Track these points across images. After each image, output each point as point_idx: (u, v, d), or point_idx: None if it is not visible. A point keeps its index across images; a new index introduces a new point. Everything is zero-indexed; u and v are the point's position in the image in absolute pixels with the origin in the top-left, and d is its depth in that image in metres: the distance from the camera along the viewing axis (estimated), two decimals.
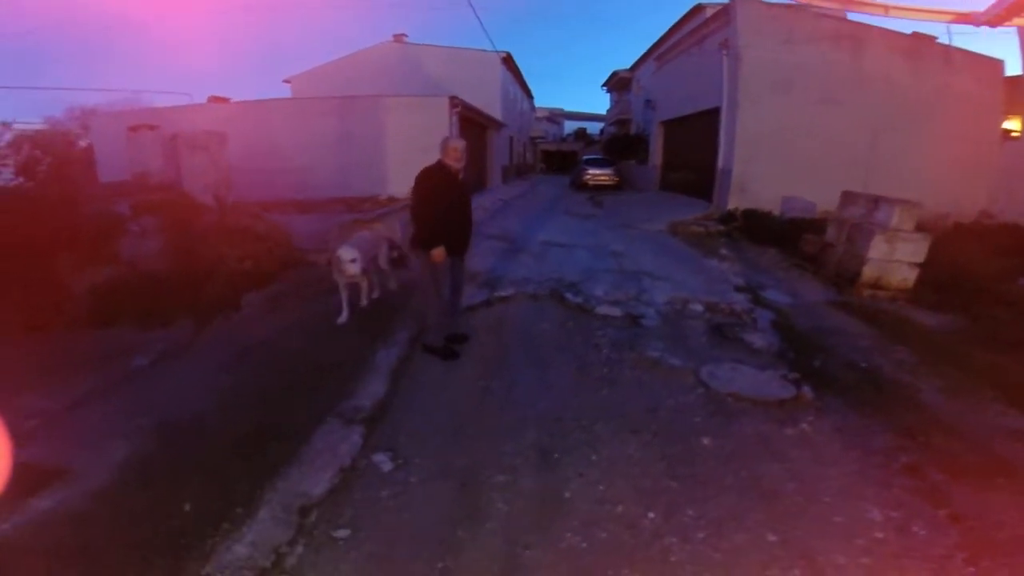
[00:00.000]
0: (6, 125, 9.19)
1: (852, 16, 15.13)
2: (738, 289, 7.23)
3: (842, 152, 12.99)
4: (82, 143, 17.52)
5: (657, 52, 22.96)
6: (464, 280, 5.16)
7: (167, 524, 2.57)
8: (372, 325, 5.41)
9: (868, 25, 14.31)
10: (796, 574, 2.42)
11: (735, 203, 12.83)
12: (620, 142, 29.37)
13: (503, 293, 6.61)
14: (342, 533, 2.61)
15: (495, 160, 23.36)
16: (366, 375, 4.25)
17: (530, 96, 38.40)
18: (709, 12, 18.45)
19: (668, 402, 4.00)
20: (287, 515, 2.64)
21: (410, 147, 14.49)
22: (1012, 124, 16.30)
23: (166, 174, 8.98)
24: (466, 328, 5.32)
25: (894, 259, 7.39)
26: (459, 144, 4.46)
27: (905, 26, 14.97)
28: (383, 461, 3.19)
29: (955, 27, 16.60)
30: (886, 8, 16.26)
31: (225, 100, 17.31)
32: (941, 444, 3.49)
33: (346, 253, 5.31)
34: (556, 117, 52.76)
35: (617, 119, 34.51)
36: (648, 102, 23.20)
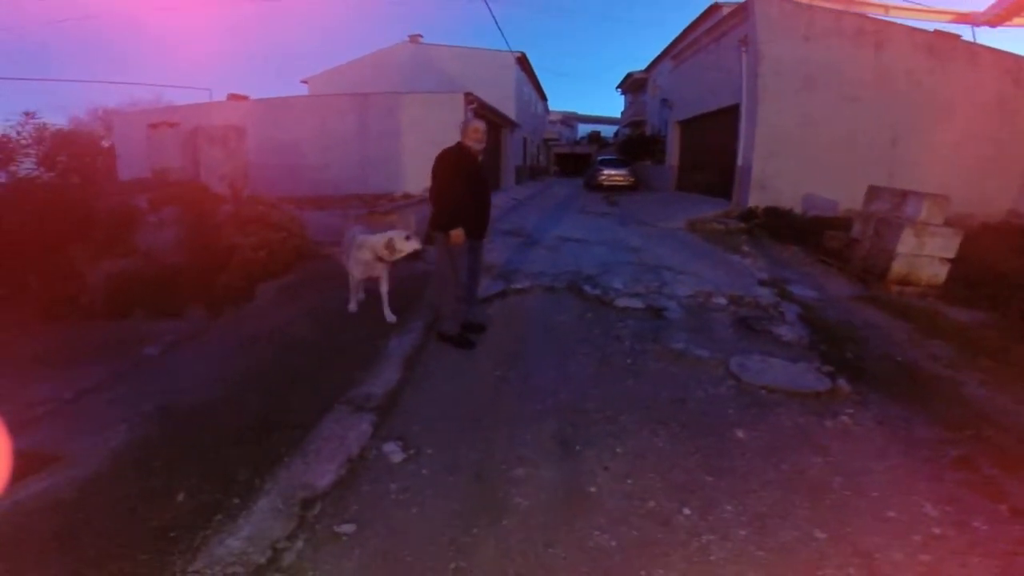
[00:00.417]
0: (29, 115, 9.08)
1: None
2: (762, 283, 6.89)
3: (864, 150, 12.57)
4: (105, 143, 17.55)
5: (673, 52, 22.57)
6: (481, 267, 4.91)
7: (157, 514, 2.33)
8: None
9: (890, 22, 13.91)
10: (851, 573, 2.16)
11: (755, 201, 12.46)
12: (635, 143, 28.96)
13: (519, 285, 6.34)
14: (347, 528, 2.36)
15: (509, 160, 23.11)
16: (378, 363, 4.01)
17: (544, 98, 38.15)
18: (726, 11, 18.06)
19: (697, 394, 3.71)
20: (288, 507, 2.40)
21: (426, 144, 14.22)
22: None
23: (186, 170, 8.89)
24: (482, 318, 5.06)
25: (924, 254, 7.03)
26: (480, 125, 4.33)
27: (928, 24, 14.59)
28: (393, 451, 2.93)
29: (976, 27, 16.08)
30: (886, 8, 15.86)
31: (244, 98, 17.26)
32: (991, 437, 3.24)
33: (399, 234, 4.74)
34: (570, 120, 52.41)
35: (632, 121, 34.09)
36: (664, 101, 22.79)
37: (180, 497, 2.45)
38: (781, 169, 12.54)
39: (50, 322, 5.70)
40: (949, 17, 15.76)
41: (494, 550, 2.26)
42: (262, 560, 2.08)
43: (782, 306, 5.95)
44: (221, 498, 2.44)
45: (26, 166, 9.61)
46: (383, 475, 2.75)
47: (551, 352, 4.41)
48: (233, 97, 17.39)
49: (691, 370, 4.10)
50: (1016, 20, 15.13)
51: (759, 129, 12.66)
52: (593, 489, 2.65)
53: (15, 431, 2.25)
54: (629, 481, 2.71)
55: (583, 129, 52.83)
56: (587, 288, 6.20)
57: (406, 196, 13.88)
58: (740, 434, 3.20)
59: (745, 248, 9.49)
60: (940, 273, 7.04)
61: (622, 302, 5.75)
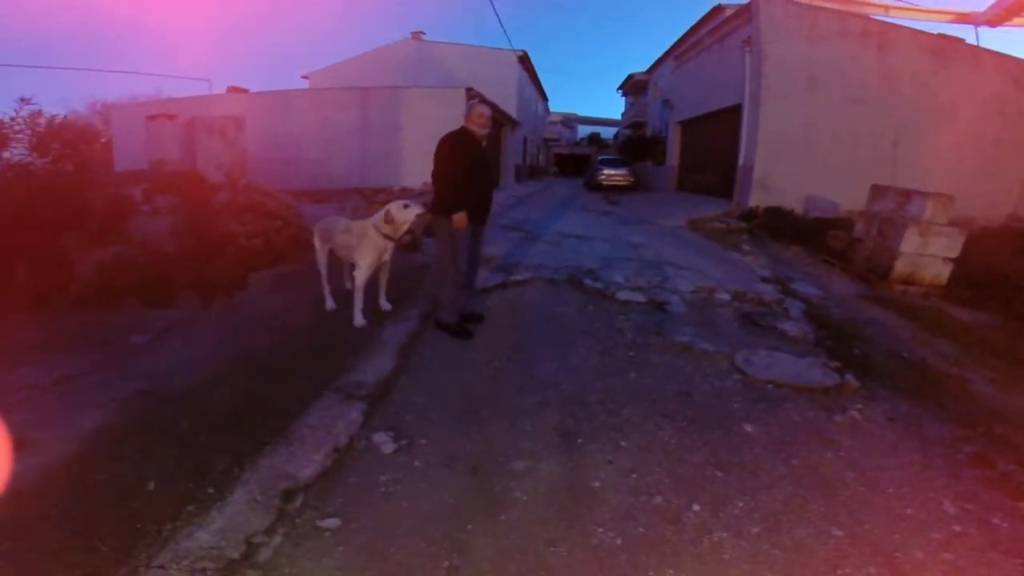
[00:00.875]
0: (24, 100, 8.83)
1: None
2: (765, 280, 6.71)
3: (867, 151, 12.41)
4: (103, 138, 17.29)
5: (675, 53, 22.41)
6: (481, 255, 4.72)
7: (124, 504, 2.12)
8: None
9: (894, 24, 13.75)
10: (872, 572, 2.00)
11: (756, 201, 12.27)
12: (636, 143, 28.74)
13: (519, 277, 6.14)
14: (330, 523, 2.15)
15: (509, 158, 22.91)
16: (372, 350, 3.80)
17: (545, 99, 37.96)
18: (729, 12, 17.89)
19: (703, 387, 3.52)
20: (267, 499, 2.19)
21: (426, 139, 14.03)
22: None
23: (183, 162, 8.70)
24: (481, 308, 4.86)
25: (927, 253, 6.90)
26: (485, 110, 4.22)
27: (927, 24, 14.45)
28: (384, 442, 2.73)
29: (976, 27, 15.96)
30: (886, 8, 15.72)
31: (244, 91, 17.04)
32: (1005, 434, 3.12)
33: (397, 204, 4.31)
34: (570, 121, 52.22)
35: (632, 122, 33.87)
36: (666, 102, 22.59)
37: (150, 486, 2.24)
38: (783, 169, 12.37)
39: (39, 311, 5.49)
40: (949, 17, 15.62)
41: (491, 547, 2.07)
42: (235, 555, 1.88)
43: (786, 302, 5.77)
44: (195, 488, 2.24)
45: (18, 152, 9.39)
46: (372, 466, 2.55)
47: (551, 343, 4.21)
48: (233, 90, 17.16)
49: (696, 363, 3.91)
50: (1016, 20, 15.01)
51: (761, 129, 12.48)
52: (597, 484, 2.45)
53: None
54: (634, 476, 2.51)
55: (583, 130, 52.64)
56: (588, 281, 6.01)
57: (404, 190, 13.68)
58: (748, 428, 3.02)
59: (746, 247, 9.31)
60: (943, 273, 6.90)
61: (623, 295, 5.56)
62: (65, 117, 11.87)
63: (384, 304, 4.69)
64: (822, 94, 12.49)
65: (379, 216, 4.28)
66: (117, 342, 4.37)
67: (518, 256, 7.39)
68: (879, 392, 3.62)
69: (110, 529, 1.98)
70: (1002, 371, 4.14)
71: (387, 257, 4.44)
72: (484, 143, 4.31)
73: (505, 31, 43.30)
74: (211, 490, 2.22)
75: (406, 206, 4.30)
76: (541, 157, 38.47)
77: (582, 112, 55.53)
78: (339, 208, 10.22)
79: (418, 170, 13.99)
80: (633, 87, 33.99)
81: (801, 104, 12.47)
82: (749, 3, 13.47)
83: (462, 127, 4.20)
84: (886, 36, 12.81)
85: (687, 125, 19.30)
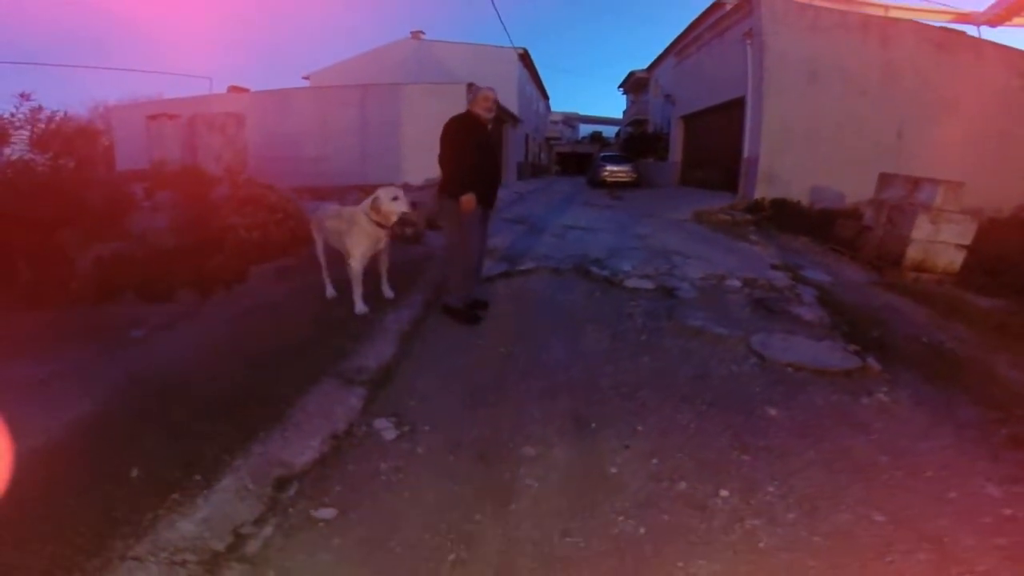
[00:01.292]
0: (24, 96, 8.62)
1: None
2: (775, 268, 6.51)
3: (871, 144, 12.19)
4: (104, 141, 17.10)
5: (676, 49, 22.19)
6: (486, 241, 4.54)
7: (103, 492, 1.94)
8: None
9: (897, 19, 13.57)
10: (921, 559, 1.82)
11: (762, 193, 12.06)
12: (638, 140, 28.51)
13: (523, 267, 5.95)
14: (326, 513, 1.97)
15: (511, 156, 22.70)
16: (373, 336, 3.61)
17: (546, 97, 37.73)
18: (728, 6, 17.67)
19: (719, 371, 3.33)
20: (258, 487, 2.01)
21: (426, 135, 13.90)
22: None
23: (184, 161, 8.54)
24: (486, 296, 4.68)
25: (939, 240, 6.69)
26: (491, 93, 4.10)
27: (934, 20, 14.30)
28: (385, 428, 2.55)
29: (976, 27, 15.78)
30: (886, 8, 15.53)
31: (245, 90, 16.89)
32: None
33: (387, 192, 4.04)
34: (571, 121, 51.95)
35: (634, 120, 33.61)
36: (667, 97, 22.36)
37: (133, 473, 2.06)
38: (788, 161, 12.16)
39: (37, 307, 5.33)
40: (949, 17, 15.47)
41: (501, 539, 1.89)
42: (220, 547, 1.70)
43: (798, 288, 5.58)
44: (181, 475, 2.05)
45: (19, 148, 9.23)
46: (372, 454, 2.36)
47: (559, 329, 4.02)
48: (234, 89, 17.02)
49: (710, 347, 3.72)
50: (1016, 20, 14.86)
51: (765, 121, 12.28)
52: (614, 470, 2.26)
53: None
54: (654, 461, 2.32)
55: (584, 129, 52.34)
56: (594, 269, 5.81)
57: (405, 186, 13.50)
58: (772, 412, 2.83)
59: (753, 237, 9.11)
60: (956, 260, 6.68)
61: (631, 283, 5.36)
62: (65, 114, 11.66)
63: (387, 292, 4.50)
64: (825, 86, 12.29)
65: (368, 203, 4.09)
66: (114, 336, 4.21)
67: (522, 247, 7.20)
68: (902, 376, 3.42)
69: (88, 517, 1.80)
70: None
71: (382, 245, 4.24)
72: (490, 127, 4.17)
73: (505, 28, 43.11)
74: (198, 477, 2.04)
75: (395, 198, 4.07)
76: (543, 155, 38.24)
77: (583, 111, 55.32)
78: (338, 204, 10.04)
79: (419, 166, 13.80)
80: (634, 85, 33.78)
81: (804, 96, 12.27)
82: None
83: (467, 110, 4.07)
84: (888, 29, 12.63)
85: (689, 120, 19.06)
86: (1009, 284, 6.17)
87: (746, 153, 12.92)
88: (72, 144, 10.57)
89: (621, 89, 37.18)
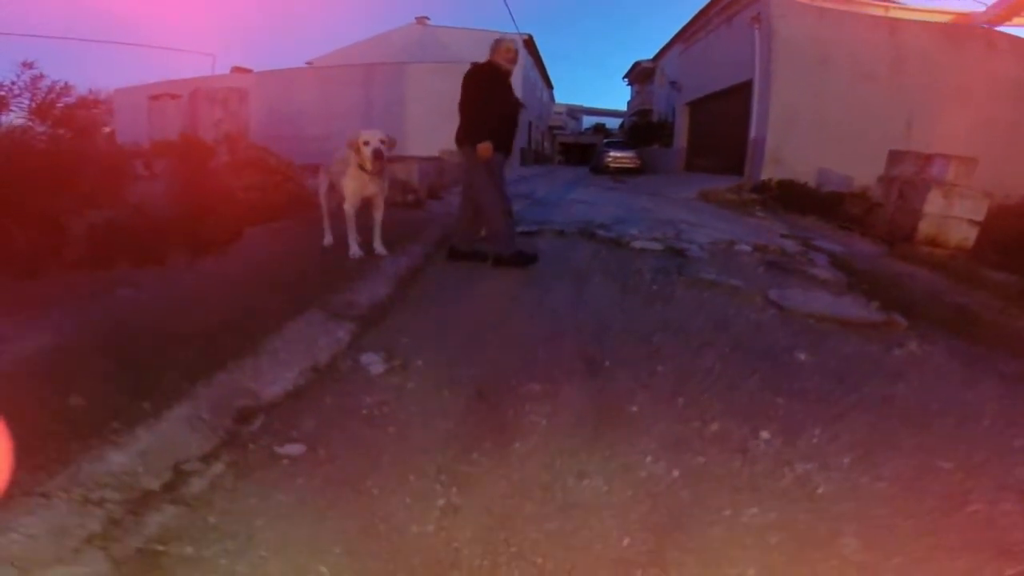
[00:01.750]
0: (27, 65, 8.22)
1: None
2: (785, 237, 6.16)
3: (879, 128, 11.72)
4: (106, 129, 16.60)
5: (683, 37, 21.64)
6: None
7: (32, 421, 1.58)
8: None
9: (887, 7, 13.17)
10: (1007, 508, 1.47)
11: (769, 174, 11.63)
12: (642, 129, 27.95)
13: (526, 228, 5.56)
14: (293, 449, 1.61)
15: (515, 140, 22.21)
16: (367, 276, 3.23)
17: (550, 86, 37.10)
18: None
19: (738, 320, 2.97)
20: (216, 418, 1.65)
21: (430, 114, 13.60)
22: None
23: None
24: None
25: (952, 215, 6.34)
26: (512, 44, 4.01)
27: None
28: (373, 362, 2.18)
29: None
30: (886, 7, 15.06)
31: (248, 71, 16.44)
32: None
33: (367, 133, 3.75)
34: (575, 112, 51.16)
35: (638, 110, 32.96)
36: (673, 84, 21.79)
37: (73, 400, 1.70)
38: (795, 143, 11.77)
39: (28, 275, 5.00)
40: (949, 17, 15.05)
41: (503, 481, 1.53)
42: (153, 485, 1.34)
43: (810, 254, 5.24)
44: (128, 403, 1.69)
45: (18, 116, 8.85)
46: (356, 388, 2.00)
47: (565, 281, 3.64)
48: (237, 70, 16.59)
49: (726, 297, 3.36)
50: (1016, 20, 14.47)
51: (773, 103, 11.87)
52: (634, 408, 1.90)
53: None
54: (680, 400, 1.96)
55: (588, 121, 51.62)
56: (600, 232, 5.44)
57: (415, 157, 13.10)
58: (801, 357, 2.48)
59: (760, 214, 8.74)
60: (970, 236, 6.32)
61: (638, 244, 4.99)
62: (66, 84, 11.30)
63: (378, 247, 4.09)
64: (834, 70, 11.91)
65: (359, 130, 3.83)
66: (102, 295, 3.86)
67: (525, 215, 6.80)
68: (930, 332, 3.08)
69: (4, 449, 1.44)
70: None
71: (370, 192, 3.89)
72: (510, 79, 4.05)
73: (511, 13, 42.31)
74: (147, 405, 1.67)
75: (366, 142, 3.73)
76: (546, 144, 37.66)
77: (588, 104, 54.55)
78: None
79: (422, 144, 13.39)
80: (639, 75, 33.08)
81: (812, 80, 11.87)
82: None
83: (489, 60, 3.94)
84: (896, 20, 12.25)
85: (695, 106, 18.53)
86: None
87: (753, 134, 12.51)
88: (71, 114, 10.19)
89: (626, 80, 36.48)
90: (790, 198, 10.12)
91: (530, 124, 27.25)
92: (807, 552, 1.23)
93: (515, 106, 4.22)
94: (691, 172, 18.35)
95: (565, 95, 52.26)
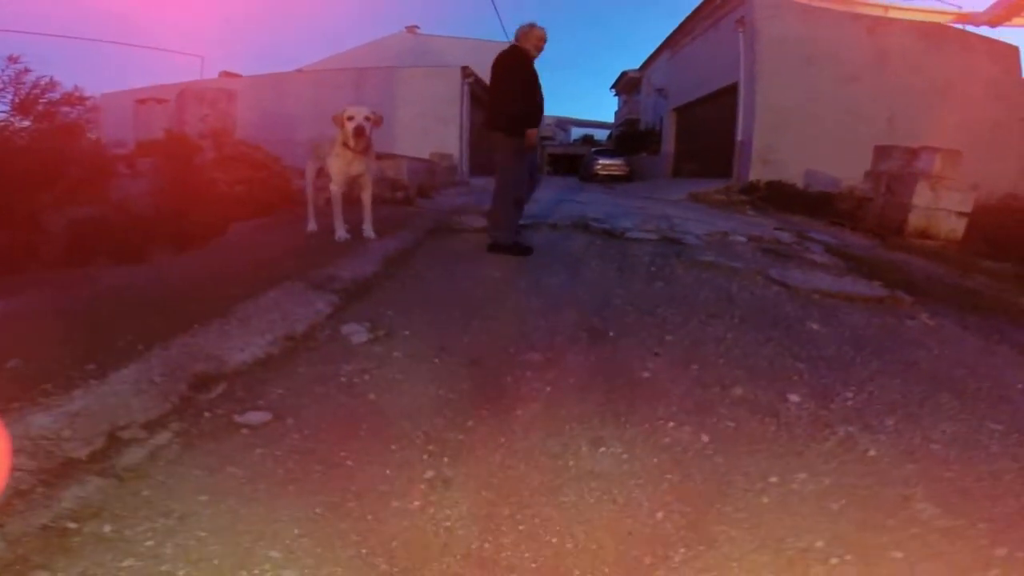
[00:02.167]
0: (13, 59, 7.84)
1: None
2: (778, 230, 6.00)
3: (864, 129, 11.71)
4: (91, 136, 16.17)
5: (669, 45, 21.66)
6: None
7: None
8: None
9: (886, 7, 13.18)
10: None
11: (757, 175, 11.55)
12: (630, 138, 27.97)
13: (520, 222, 5.32)
14: (254, 417, 1.37)
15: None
16: (353, 255, 3.00)
17: None
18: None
19: (743, 295, 2.78)
20: (168, 382, 1.40)
21: (421, 118, 13.42)
22: None
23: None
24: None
25: (940, 207, 6.30)
26: (543, 33, 3.83)
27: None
28: (355, 331, 1.94)
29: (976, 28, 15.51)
30: (886, 8, 15.13)
31: (237, 76, 16.16)
32: None
33: (353, 109, 3.71)
34: (564, 124, 51.33)
35: (626, 120, 33.02)
36: (660, 91, 21.80)
37: (11, 363, 1.45)
38: (782, 144, 11.71)
39: (6, 270, 4.72)
40: (949, 17, 15.10)
41: (502, 451, 1.30)
42: (79, 453, 1.09)
43: (806, 243, 5.08)
44: (71, 365, 1.44)
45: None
46: (335, 357, 1.76)
47: (562, 264, 3.43)
48: (226, 75, 16.28)
49: (727, 276, 3.17)
50: (1016, 20, 14.53)
51: (759, 104, 11.82)
52: (647, 375, 1.68)
53: None
54: (695, 366, 1.75)
55: (576, 132, 51.82)
56: (594, 224, 5.23)
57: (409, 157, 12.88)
58: (814, 326, 2.30)
59: (750, 212, 8.62)
60: (958, 228, 6.29)
61: (634, 235, 4.78)
62: (51, 79, 10.89)
63: (367, 231, 3.85)
64: (818, 71, 11.87)
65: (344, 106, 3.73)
66: (75, 292, 3.59)
67: None
68: (936, 306, 2.94)
69: None
70: None
71: (356, 171, 3.69)
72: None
73: (501, 22, 42.47)
74: (92, 366, 1.43)
75: (367, 118, 3.68)
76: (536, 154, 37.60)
77: (576, 116, 54.73)
78: None
79: (412, 147, 13.18)
80: (626, 85, 33.15)
81: (797, 80, 11.82)
82: None
83: (515, 46, 3.78)
84: (878, 17, 12.28)
85: (682, 111, 18.50)
86: (1013, 252, 5.75)
87: (740, 136, 12.45)
88: (55, 110, 9.84)
89: (613, 90, 36.60)
90: (779, 198, 10.01)
91: None
92: (878, 519, 1.02)
93: (541, 93, 4.03)
94: (679, 177, 18.27)
95: (553, 106, 52.43)
